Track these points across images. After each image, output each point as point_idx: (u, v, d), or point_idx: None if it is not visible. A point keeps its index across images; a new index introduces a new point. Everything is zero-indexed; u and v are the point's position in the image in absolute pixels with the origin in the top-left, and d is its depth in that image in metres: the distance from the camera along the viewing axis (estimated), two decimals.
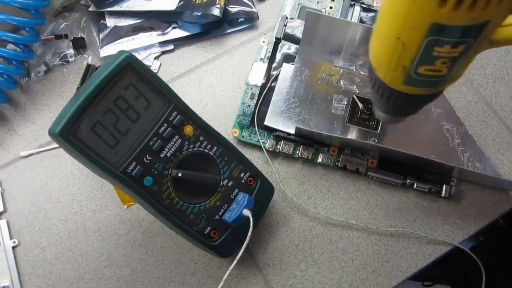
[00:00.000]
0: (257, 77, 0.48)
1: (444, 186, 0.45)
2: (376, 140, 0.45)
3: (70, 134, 0.32)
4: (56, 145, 0.45)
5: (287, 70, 0.48)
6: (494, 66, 0.51)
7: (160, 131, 0.35)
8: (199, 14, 0.49)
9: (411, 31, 0.22)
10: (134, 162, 0.34)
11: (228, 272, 0.35)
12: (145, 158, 0.35)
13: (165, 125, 0.36)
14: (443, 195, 0.45)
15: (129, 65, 0.34)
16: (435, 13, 0.20)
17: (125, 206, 0.44)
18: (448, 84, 0.27)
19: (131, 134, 0.35)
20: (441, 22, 0.21)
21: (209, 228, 0.38)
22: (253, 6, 0.51)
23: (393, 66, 0.25)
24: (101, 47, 0.49)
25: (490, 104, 0.49)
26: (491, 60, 0.51)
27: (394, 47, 0.24)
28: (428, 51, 0.23)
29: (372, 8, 0.51)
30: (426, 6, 0.20)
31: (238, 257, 0.35)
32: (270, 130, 0.46)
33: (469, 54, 0.23)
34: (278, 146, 0.46)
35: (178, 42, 0.51)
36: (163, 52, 0.50)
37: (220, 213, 0.38)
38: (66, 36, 0.50)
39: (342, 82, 0.47)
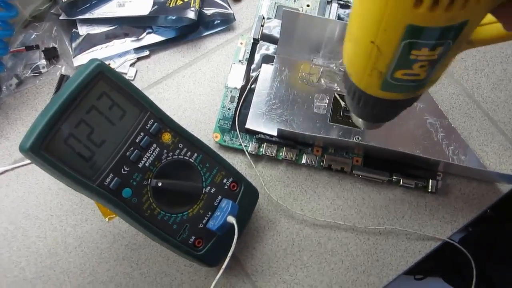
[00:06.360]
0: (236, 80, 0.47)
1: (430, 181, 0.44)
2: (360, 138, 0.45)
3: (42, 148, 0.31)
4: None
5: (267, 71, 0.47)
6: (474, 57, 0.51)
7: (137, 140, 0.34)
8: (174, 18, 0.48)
9: (386, 34, 0.20)
10: (111, 174, 0.33)
11: (215, 281, 0.34)
12: (122, 169, 0.34)
13: (142, 133, 0.35)
14: (429, 190, 0.44)
15: (101, 73, 0.33)
16: (411, 14, 0.19)
17: (107, 219, 0.43)
18: (427, 88, 0.26)
19: (107, 145, 0.33)
20: (418, 24, 0.19)
21: (193, 237, 0.37)
22: (229, 8, 0.50)
23: (368, 71, 0.24)
24: (74, 57, 0.48)
25: (472, 96, 0.49)
26: (471, 51, 0.51)
27: (369, 52, 0.22)
28: (405, 55, 0.21)
29: (349, 4, 0.51)
30: (401, 7, 0.19)
31: (224, 265, 0.34)
32: (252, 133, 0.45)
33: (448, 56, 0.22)
34: (261, 149, 0.45)
35: (154, 48, 0.50)
36: (139, 59, 0.49)
37: (204, 222, 0.37)
38: (37, 47, 0.48)
39: (322, 81, 0.47)
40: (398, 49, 0.21)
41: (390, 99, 0.26)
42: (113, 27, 0.49)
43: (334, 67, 0.47)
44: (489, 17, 0.22)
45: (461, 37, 0.21)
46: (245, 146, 0.45)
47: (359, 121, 0.33)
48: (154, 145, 0.35)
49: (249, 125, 0.45)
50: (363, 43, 0.22)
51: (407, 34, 0.20)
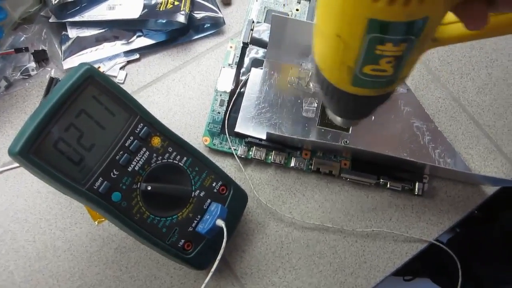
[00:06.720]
0: (226, 83, 0.48)
1: (417, 184, 0.45)
2: (348, 141, 0.45)
3: (31, 152, 0.31)
4: None
5: (256, 75, 0.47)
6: (459, 62, 0.52)
7: (127, 144, 0.34)
8: (164, 21, 0.48)
9: (350, 28, 0.21)
10: (100, 178, 0.33)
11: (204, 284, 0.34)
12: (112, 173, 0.34)
13: (132, 137, 0.35)
14: (416, 193, 0.45)
15: (90, 77, 0.33)
16: (370, 8, 0.19)
17: (96, 222, 0.43)
18: (397, 85, 0.26)
19: (96, 149, 0.34)
20: (378, 18, 0.19)
21: (182, 240, 0.37)
22: (218, 11, 0.51)
23: (338, 66, 0.24)
24: (64, 59, 0.48)
25: (458, 99, 0.50)
26: (457, 56, 0.52)
27: (336, 46, 0.23)
28: (370, 50, 0.22)
29: None
30: (360, 1, 0.19)
31: (213, 268, 0.34)
32: (241, 137, 0.45)
33: (413, 52, 0.23)
34: (250, 153, 0.45)
35: (144, 51, 0.50)
36: (129, 62, 0.49)
37: (193, 225, 0.37)
38: (26, 49, 0.48)
39: (311, 85, 0.47)
40: (364, 43, 0.21)
41: (362, 95, 0.26)
42: (103, 30, 0.49)
43: None
44: (453, 16, 0.22)
45: (424, 34, 0.21)
46: (235, 149, 0.45)
47: (336, 118, 0.33)
48: (144, 149, 0.35)
49: (239, 128, 0.45)
50: (329, 37, 0.23)
51: (370, 28, 0.20)
